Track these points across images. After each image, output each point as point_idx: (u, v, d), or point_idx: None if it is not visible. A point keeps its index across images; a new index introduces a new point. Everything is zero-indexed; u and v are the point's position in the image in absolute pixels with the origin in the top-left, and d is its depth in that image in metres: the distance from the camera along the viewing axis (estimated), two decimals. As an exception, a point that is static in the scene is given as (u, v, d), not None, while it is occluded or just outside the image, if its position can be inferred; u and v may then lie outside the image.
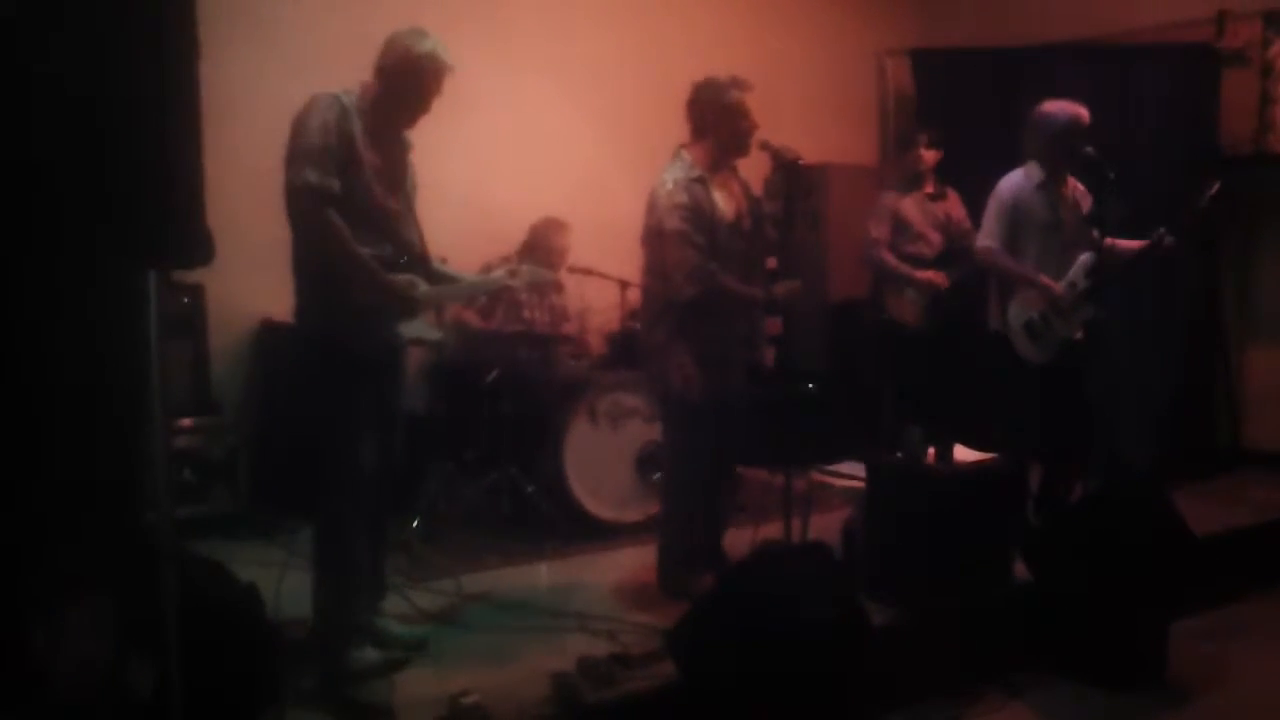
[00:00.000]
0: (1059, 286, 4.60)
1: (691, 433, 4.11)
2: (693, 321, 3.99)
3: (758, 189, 4.28)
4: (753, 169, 4.27)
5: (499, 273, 3.80)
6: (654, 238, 3.99)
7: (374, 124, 3.34)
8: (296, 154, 3.18)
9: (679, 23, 6.67)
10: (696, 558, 4.21)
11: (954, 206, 5.68)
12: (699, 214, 3.96)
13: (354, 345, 3.29)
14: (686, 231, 3.92)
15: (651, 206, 4.01)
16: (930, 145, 5.59)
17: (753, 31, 6.97)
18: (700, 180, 4.01)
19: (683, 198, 3.94)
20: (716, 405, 4.07)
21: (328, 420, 3.33)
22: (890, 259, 5.56)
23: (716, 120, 4.02)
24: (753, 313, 4.20)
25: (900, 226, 5.60)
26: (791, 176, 4.03)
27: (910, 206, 5.62)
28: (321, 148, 3.18)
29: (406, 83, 3.37)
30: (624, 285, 5.35)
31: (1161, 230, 4.58)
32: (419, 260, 3.45)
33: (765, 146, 4.02)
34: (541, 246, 5.49)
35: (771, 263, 4.61)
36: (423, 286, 3.41)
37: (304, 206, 3.17)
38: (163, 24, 2.08)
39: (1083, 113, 4.62)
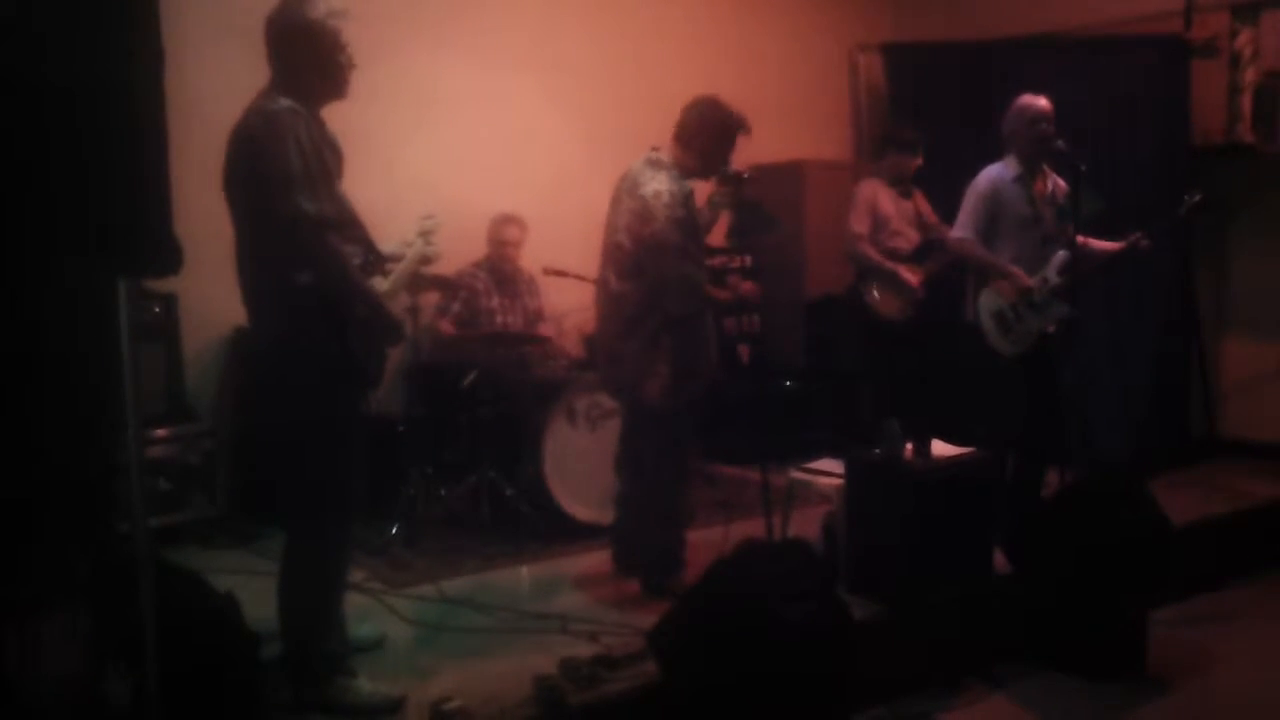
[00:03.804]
0: (1030, 279, 4.63)
1: (669, 437, 4.16)
2: (675, 332, 4.02)
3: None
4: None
5: (415, 241, 3.49)
6: (651, 250, 3.95)
7: (314, 120, 3.19)
8: (279, 182, 3.00)
9: (657, 24, 6.67)
10: (673, 557, 4.26)
11: (921, 203, 5.76)
12: (692, 228, 4.02)
13: (360, 364, 3.24)
14: (688, 248, 3.97)
15: (644, 215, 3.96)
16: (924, 151, 5.66)
17: (727, 28, 6.98)
18: (691, 194, 4.04)
19: (681, 212, 3.96)
20: (687, 408, 4.14)
21: (327, 446, 3.21)
22: (873, 253, 5.59)
23: (711, 142, 4.06)
24: (716, 315, 4.31)
25: (879, 221, 5.64)
26: (739, 191, 4.15)
27: (887, 202, 5.67)
28: (304, 171, 3.04)
29: (319, 56, 3.17)
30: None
31: (1137, 235, 4.63)
32: (376, 255, 3.39)
33: None
34: (494, 239, 5.65)
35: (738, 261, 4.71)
36: (385, 284, 3.35)
37: (304, 238, 3.04)
38: (126, 33, 2.06)
39: (1038, 102, 4.65)
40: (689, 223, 3.99)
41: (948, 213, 5.01)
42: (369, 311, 3.20)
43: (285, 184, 3.01)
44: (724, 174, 4.12)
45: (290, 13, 3.17)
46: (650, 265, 3.97)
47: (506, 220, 5.66)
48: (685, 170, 4.08)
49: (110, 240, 2.11)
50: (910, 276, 5.54)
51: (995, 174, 4.75)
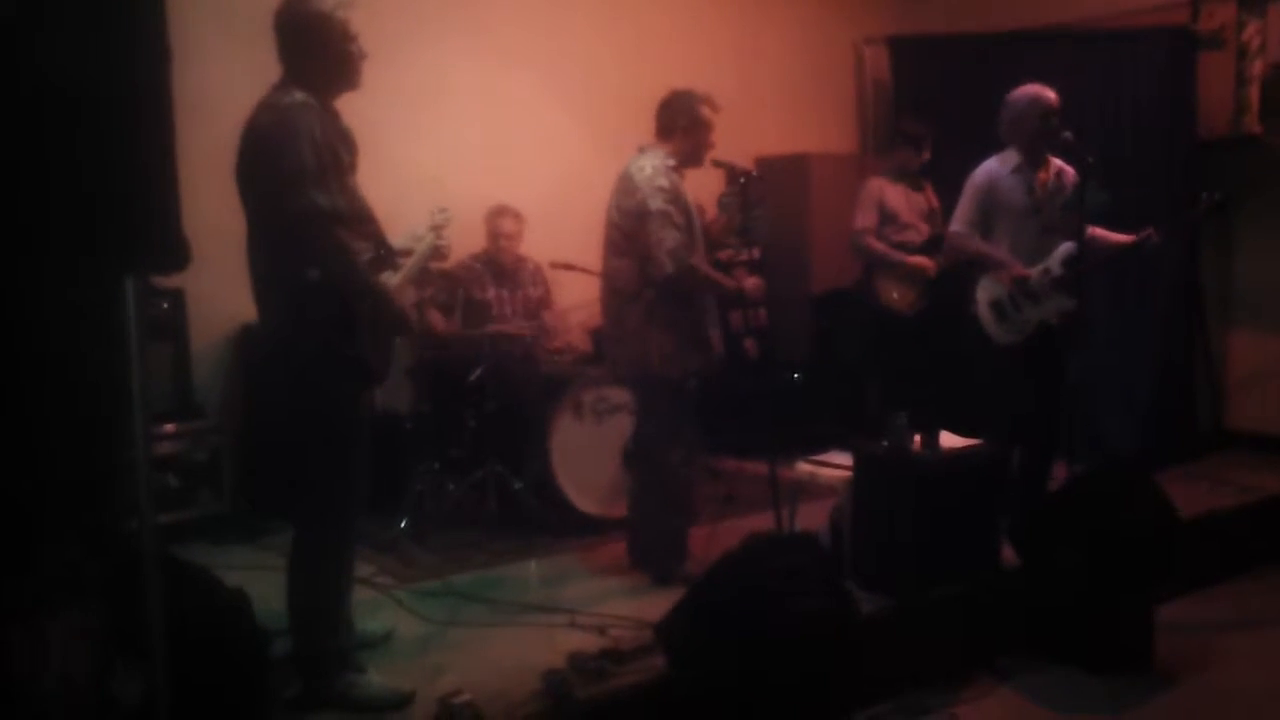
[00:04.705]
0: (1027, 269, 4.62)
1: (674, 414, 4.23)
2: (670, 302, 4.13)
3: (707, 202, 4.49)
4: (700, 183, 4.43)
5: (426, 235, 3.51)
6: (634, 218, 4.10)
7: (327, 112, 3.20)
8: (291, 176, 3.00)
9: (661, 17, 6.65)
10: (679, 545, 4.30)
11: (931, 196, 5.76)
12: (679, 199, 4.13)
13: (367, 359, 3.25)
14: (670, 212, 4.07)
15: (629, 189, 4.14)
16: (932, 145, 5.67)
17: (732, 22, 6.97)
18: (676, 169, 4.19)
19: (664, 181, 4.10)
20: (691, 384, 4.24)
21: (333, 440, 3.22)
22: (880, 246, 5.60)
23: (686, 127, 4.20)
24: (720, 303, 4.40)
25: (887, 215, 5.64)
26: (747, 189, 4.31)
27: (896, 196, 5.68)
28: (316, 165, 3.04)
29: (329, 48, 3.18)
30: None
31: (1148, 231, 4.61)
32: (388, 249, 3.40)
33: (720, 164, 4.26)
34: (490, 232, 5.65)
35: (745, 255, 4.81)
36: (395, 278, 3.36)
37: (315, 232, 3.05)
38: (134, 29, 2.06)
39: (1047, 94, 4.64)
40: (672, 193, 4.10)
41: (952, 206, 5.01)
42: (374, 307, 3.21)
43: (298, 178, 3.01)
44: (731, 173, 4.24)
45: (299, 5, 3.18)
46: (635, 232, 4.10)
47: (501, 212, 5.66)
48: (676, 161, 4.21)
49: (118, 236, 2.11)
50: (923, 260, 5.54)
51: (992, 167, 4.75)
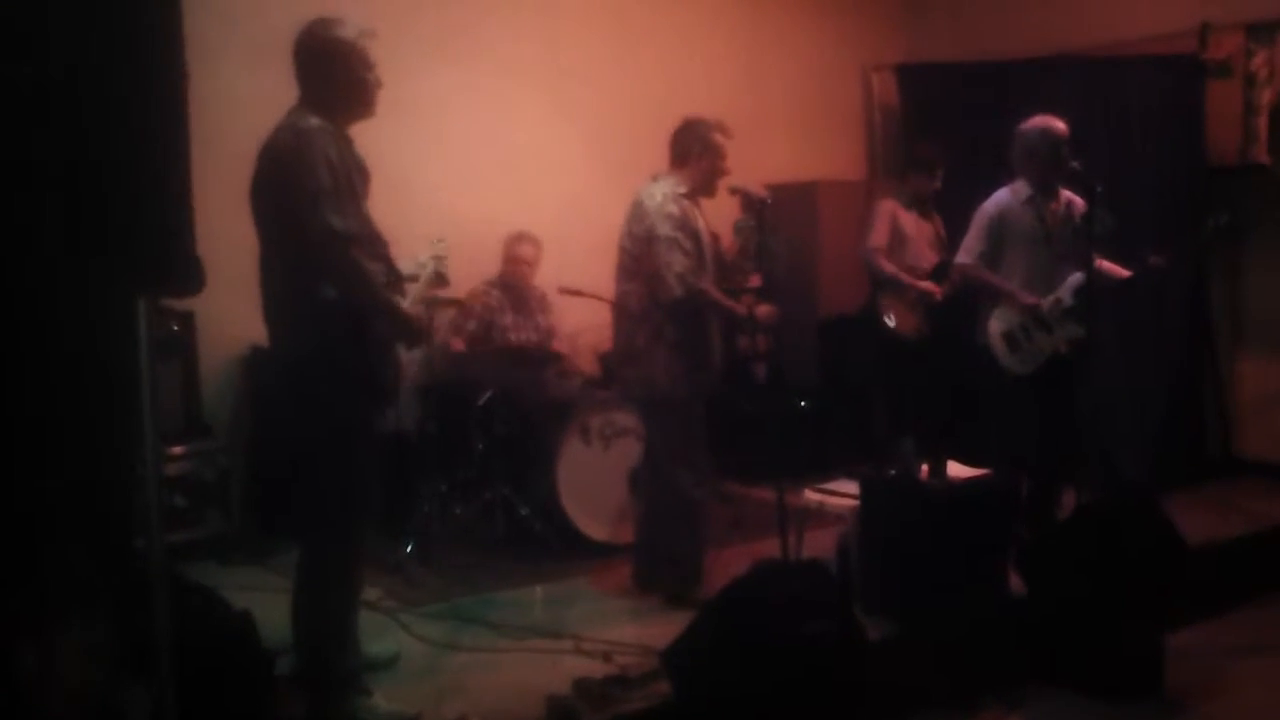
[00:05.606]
0: (1039, 299, 4.63)
1: (681, 432, 4.29)
2: (676, 324, 4.21)
3: (725, 229, 4.58)
4: (720, 211, 4.52)
5: (428, 263, 3.61)
6: (642, 243, 4.20)
7: (342, 138, 3.25)
8: (309, 197, 3.04)
9: (671, 43, 6.69)
10: (694, 566, 4.32)
11: (939, 225, 5.78)
12: (687, 226, 4.21)
13: (380, 378, 3.28)
14: (677, 238, 4.16)
15: (639, 215, 4.23)
16: (940, 173, 5.69)
17: (741, 49, 7.00)
18: (687, 197, 4.26)
19: (673, 209, 4.19)
20: (697, 405, 4.32)
21: (344, 457, 3.24)
22: (890, 267, 5.61)
23: (698, 155, 4.28)
24: (727, 327, 4.51)
25: (899, 240, 5.66)
26: (762, 215, 4.38)
27: (908, 221, 5.69)
28: (333, 188, 3.08)
29: (348, 75, 3.23)
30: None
31: (1149, 263, 4.63)
32: (397, 274, 3.43)
33: (736, 190, 4.38)
34: (509, 257, 5.69)
35: (755, 280, 4.85)
36: (404, 303, 3.38)
37: (332, 253, 3.08)
38: (150, 51, 2.08)
39: (1058, 125, 4.66)
40: (681, 220, 4.19)
41: (961, 231, 5.01)
42: (393, 323, 3.23)
43: (315, 200, 3.05)
44: (747, 199, 4.28)
45: (321, 33, 3.23)
46: (644, 256, 4.20)
47: (521, 238, 5.68)
48: (688, 190, 4.28)
49: (132, 259, 2.13)
50: (930, 285, 5.55)
51: (1003, 198, 4.76)
